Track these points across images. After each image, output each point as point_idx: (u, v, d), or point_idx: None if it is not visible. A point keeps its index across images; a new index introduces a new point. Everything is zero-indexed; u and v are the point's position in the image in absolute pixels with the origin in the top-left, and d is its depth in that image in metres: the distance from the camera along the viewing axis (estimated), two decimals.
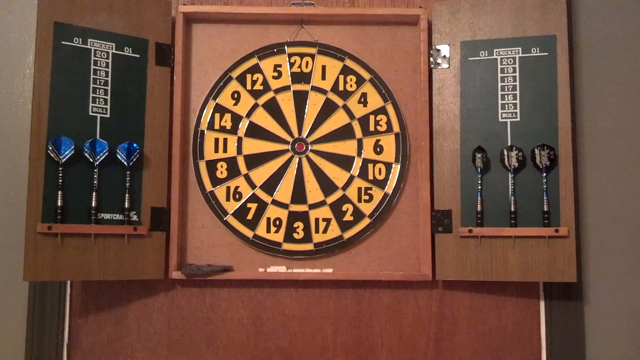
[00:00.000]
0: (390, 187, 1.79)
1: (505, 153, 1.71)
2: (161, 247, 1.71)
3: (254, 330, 1.75)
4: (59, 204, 1.58)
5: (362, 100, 1.82)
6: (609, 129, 1.82)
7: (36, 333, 1.71)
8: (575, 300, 1.75)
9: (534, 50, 1.73)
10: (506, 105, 1.73)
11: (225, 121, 1.81)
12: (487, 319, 1.76)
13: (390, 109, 1.82)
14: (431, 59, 1.79)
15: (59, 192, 1.58)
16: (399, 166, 1.79)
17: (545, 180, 1.68)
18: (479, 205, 1.71)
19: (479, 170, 1.71)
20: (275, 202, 1.78)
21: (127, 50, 1.71)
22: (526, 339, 1.75)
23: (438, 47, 1.78)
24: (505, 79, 1.74)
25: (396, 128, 1.81)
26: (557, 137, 1.69)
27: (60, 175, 1.58)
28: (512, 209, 1.69)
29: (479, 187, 1.71)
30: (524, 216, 1.69)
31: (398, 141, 1.80)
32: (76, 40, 1.65)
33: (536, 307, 1.76)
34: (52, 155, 1.58)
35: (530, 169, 1.70)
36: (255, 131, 1.81)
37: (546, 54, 1.72)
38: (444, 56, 1.78)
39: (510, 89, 1.73)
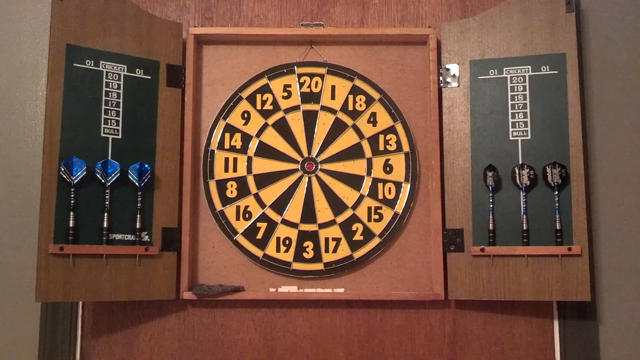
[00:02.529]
0: (400, 207, 1.78)
1: (517, 171, 1.70)
2: (172, 267, 1.71)
3: (266, 351, 1.74)
4: (70, 224, 1.58)
5: (371, 119, 1.83)
6: (621, 146, 1.81)
7: (48, 354, 1.70)
8: (590, 319, 1.73)
9: (543, 69, 1.73)
10: (517, 124, 1.73)
11: (235, 141, 1.82)
12: (501, 339, 1.74)
13: (399, 128, 1.82)
14: (441, 78, 1.79)
15: (71, 213, 1.59)
16: (409, 185, 1.79)
17: (557, 198, 1.67)
18: (490, 224, 1.70)
19: (490, 189, 1.71)
20: (285, 222, 1.78)
21: (138, 72, 1.72)
22: (540, 359, 1.73)
23: (447, 66, 1.79)
24: (516, 97, 1.74)
25: (406, 147, 1.81)
26: (568, 154, 1.69)
27: (72, 196, 1.59)
28: (525, 228, 1.68)
29: (491, 206, 1.71)
30: (537, 235, 1.68)
31: (408, 160, 1.80)
32: (88, 63, 1.66)
33: (550, 326, 1.74)
34: (64, 176, 1.59)
35: (542, 187, 1.69)
36: (265, 151, 1.81)
37: (556, 72, 1.72)
38: (454, 75, 1.78)
39: (520, 107, 1.73)
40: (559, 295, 1.65)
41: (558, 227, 1.66)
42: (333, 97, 1.84)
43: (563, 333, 1.73)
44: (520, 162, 1.71)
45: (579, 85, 1.71)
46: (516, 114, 1.73)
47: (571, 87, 1.71)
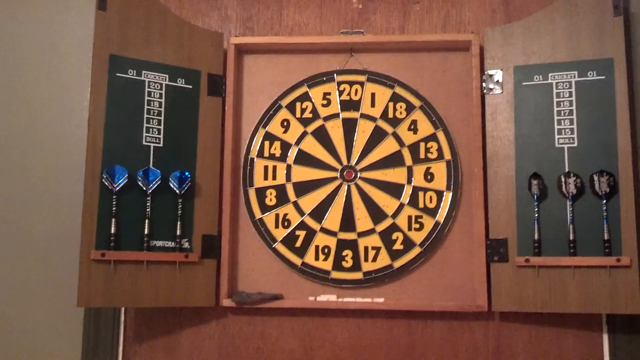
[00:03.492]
0: (441, 216, 1.75)
1: (563, 179, 1.65)
2: (212, 274, 1.71)
3: None
4: (112, 231, 1.61)
5: (412, 127, 1.80)
6: None
7: (91, 359, 1.73)
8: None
9: (590, 74, 1.68)
10: (563, 131, 1.68)
11: (275, 149, 1.82)
12: (547, 353, 1.68)
13: (441, 135, 1.79)
14: (483, 85, 1.76)
15: (113, 220, 1.61)
16: (450, 194, 1.75)
17: (605, 207, 1.62)
18: (536, 234, 1.65)
19: (535, 198, 1.66)
20: (323, 230, 1.76)
21: (180, 81, 1.74)
22: None
23: (490, 72, 1.75)
24: (561, 103, 1.69)
25: (447, 155, 1.78)
26: (616, 162, 1.63)
27: (114, 203, 1.62)
28: (571, 238, 1.62)
29: (536, 215, 1.66)
30: (584, 245, 1.62)
31: (449, 168, 1.77)
32: (130, 72, 1.69)
33: (599, 340, 1.67)
34: (106, 183, 1.61)
35: (589, 195, 1.64)
36: (304, 159, 1.81)
37: (603, 77, 1.67)
38: (497, 81, 1.74)
39: (566, 114, 1.68)
40: (607, 307, 1.59)
41: (606, 237, 1.60)
42: (373, 105, 1.82)
43: (613, 347, 1.66)
44: (566, 170, 1.66)
45: (627, 91, 1.65)
46: (562, 121, 1.68)
47: (619, 92, 1.65)
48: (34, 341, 1.78)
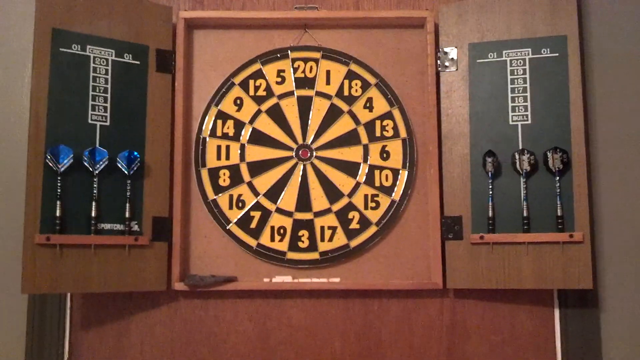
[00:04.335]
0: (397, 194, 1.74)
1: (517, 157, 1.65)
2: (163, 257, 1.66)
3: (260, 343, 1.70)
4: (57, 214, 1.54)
5: (367, 105, 1.78)
6: (623, 131, 1.76)
7: (36, 346, 1.66)
8: (591, 307, 1.69)
9: (544, 51, 1.69)
10: (517, 108, 1.68)
11: (228, 128, 1.77)
12: (501, 329, 1.70)
13: (396, 113, 1.77)
14: (438, 62, 1.74)
15: (58, 202, 1.54)
16: (406, 172, 1.74)
17: (558, 184, 1.63)
18: (490, 211, 1.65)
19: (489, 175, 1.66)
20: (279, 210, 1.73)
21: (127, 57, 1.67)
22: (541, 349, 1.69)
23: (445, 49, 1.74)
24: (515, 80, 1.69)
25: (403, 133, 1.76)
26: (569, 139, 1.64)
27: (59, 184, 1.54)
28: (525, 214, 1.64)
29: (490, 192, 1.66)
30: (537, 221, 1.63)
31: (405, 147, 1.76)
32: (75, 47, 1.61)
33: (551, 315, 1.70)
34: (50, 164, 1.54)
35: (542, 172, 1.65)
36: (259, 138, 1.76)
37: (557, 54, 1.68)
38: (452, 59, 1.73)
39: (520, 91, 1.69)
40: (560, 283, 1.61)
41: (559, 214, 1.62)
42: (328, 82, 1.79)
43: (564, 322, 1.69)
44: (520, 148, 1.66)
45: (580, 68, 1.66)
46: (516, 98, 1.69)
47: (572, 70, 1.66)
48: None
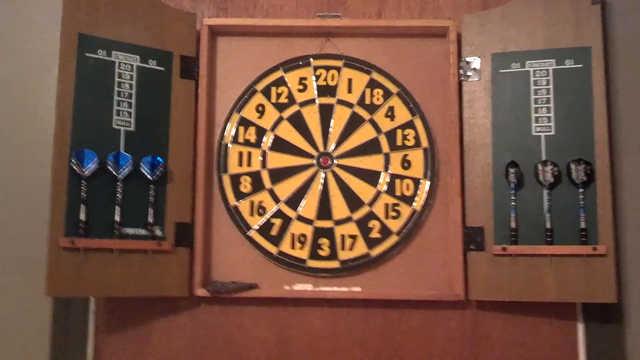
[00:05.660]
0: (418, 204, 1.73)
1: (540, 168, 1.64)
2: (185, 263, 1.66)
3: (279, 350, 1.69)
4: (82, 218, 1.54)
5: (389, 114, 1.78)
6: None
7: (60, 350, 1.66)
8: (615, 322, 1.67)
9: (568, 62, 1.68)
10: (540, 119, 1.67)
11: (250, 134, 1.77)
12: (523, 341, 1.68)
13: (418, 123, 1.77)
14: (461, 72, 1.74)
15: (82, 206, 1.55)
16: (427, 182, 1.74)
17: (582, 196, 1.62)
18: (512, 222, 1.64)
19: (512, 186, 1.65)
20: (300, 218, 1.73)
21: (151, 62, 1.68)
22: None
23: (468, 59, 1.74)
24: (539, 91, 1.68)
25: (424, 143, 1.75)
26: (593, 151, 1.63)
27: (84, 188, 1.55)
28: (548, 226, 1.62)
29: (513, 204, 1.65)
30: (560, 234, 1.62)
31: (427, 156, 1.75)
32: (100, 52, 1.62)
33: (574, 329, 1.68)
34: (75, 168, 1.54)
35: (566, 184, 1.64)
36: (280, 145, 1.76)
37: (581, 65, 1.67)
38: (474, 68, 1.73)
39: (544, 102, 1.68)
40: (583, 296, 1.60)
41: (583, 226, 1.61)
42: (350, 91, 1.79)
43: (587, 335, 1.67)
44: (543, 159, 1.65)
45: (604, 79, 1.65)
46: (539, 109, 1.68)
47: (596, 81, 1.65)
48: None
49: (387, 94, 1.78)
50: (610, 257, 1.59)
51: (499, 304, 1.68)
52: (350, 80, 1.80)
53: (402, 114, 1.78)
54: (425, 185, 1.74)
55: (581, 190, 1.62)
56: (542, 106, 1.68)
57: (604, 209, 1.61)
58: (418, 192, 1.74)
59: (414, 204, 1.73)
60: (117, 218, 1.58)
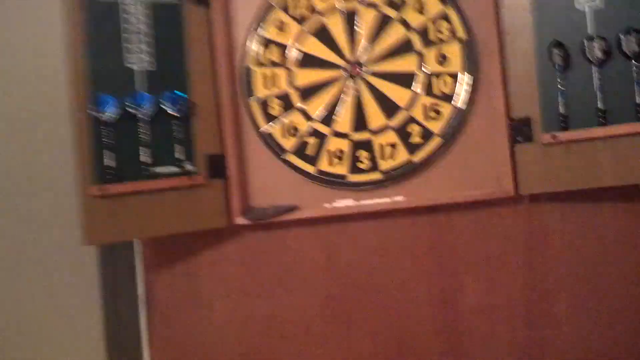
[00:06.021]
0: (459, 101, 1.62)
1: (586, 44, 1.49)
2: (220, 194, 1.64)
3: (328, 268, 1.68)
4: (108, 163, 1.54)
5: (417, 6, 1.64)
6: None
7: (111, 292, 1.72)
8: None
9: None
10: None
11: (272, 54, 1.69)
12: (583, 230, 1.58)
13: (451, 12, 1.62)
14: None
15: (107, 152, 1.54)
16: (466, 76, 1.62)
17: (635, 69, 1.46)
18: (561, 107, 1.52)
19: (557, 68, 1.51)
20: (335, 134, 1.66)
21: None
22: (630, 246, 1.57)
23: None
24: None
25: (460, 33, 1.62)
26: None
27: (106, 134, 1.54)
28: (600, 107, 1.49)
29: (561, 87, 1.52)
30: (615, 113, 1.48)
31: (463, 48, 1.62)
32: None
33: (638, 210, 1.57)
34: (94, 114, 1.53)
35: (619, 59, 1.48)
36: (306, 60, 1.68)
37: None
38: None
39: None
40: None
41: (638, 101, 1.46)
42: None
43: None
44: (589, 34, 1.50)
45: None
46: None
47: None
48: (47, 284, 1.78)
49: None
50: None
51: (553, 196, 1.57)
52: None
53: (432, 5, 1.64)
54: (465, 79, 1.62)
55: (635, 62, 1.46)
56: None
57: None
58: (457, 88, 1.62)
59: (453, 101, 1.62)
60: (145, 159, 1.57)
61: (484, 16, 1.60)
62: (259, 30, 1.70)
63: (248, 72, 1.70)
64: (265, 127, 1.70)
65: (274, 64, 1.70)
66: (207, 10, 1.66)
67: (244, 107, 1.70)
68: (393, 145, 1.64)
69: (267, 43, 1.70)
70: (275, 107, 1.69)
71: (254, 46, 1.70)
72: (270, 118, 1.69)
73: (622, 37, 1.46)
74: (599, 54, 1.49)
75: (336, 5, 1.67)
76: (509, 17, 1.56)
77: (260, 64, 1.70)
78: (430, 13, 1.64)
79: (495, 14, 1.58)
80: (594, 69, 1.50)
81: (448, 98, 1.63)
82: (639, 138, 1.46)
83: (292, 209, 1.66)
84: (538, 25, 1.54)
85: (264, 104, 1.70)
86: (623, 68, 1.48)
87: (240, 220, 1.66)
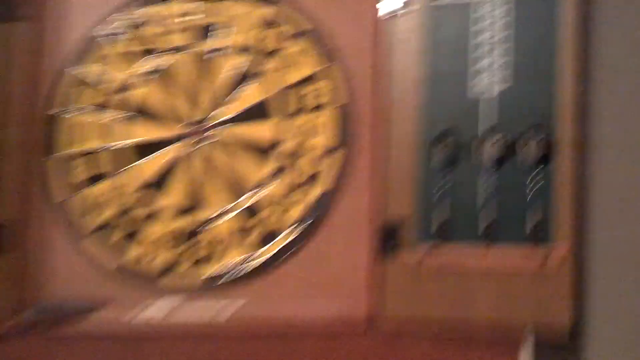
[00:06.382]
0: (321, 186, 1.28)
1: (479, 141, 1.20)
2: None
3: None
4: None
5: (284, 65, 1.30)
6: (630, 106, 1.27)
7: None
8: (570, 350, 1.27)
9: None
10: (481, 73, 1.21)
11: (89, 99, 1.31)
12: None
13: (323, 76, 1.29)
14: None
15: None
16: (335, 158, 1.28)
17: (533, 178, 1.18)
18: (440, 213, 1.21)
19: (440, 166, 1.21)
20: (155, 216, 1.28)
21: None
22: None
23: None
24: (480, 33, 1.22)
25: (332, 103, 1.29)
26: (552, 116, 1.16)
27: None
28: (486, 220, 1.19)
29: (441, 189, 1.22)
30: (503, 230, 1.20)
31: (334, 122, 1.29)
32: None
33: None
34: None
35: (515, 162, 1.20)
36: (132, 112, 1.31)
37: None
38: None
39: (487, 48, 1.21)
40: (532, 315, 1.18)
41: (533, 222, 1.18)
42: (233, 33, 1.31)
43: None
44: (483, 129, 1.20)
45: (576, 19, 1.16)
46: (479, 59, 1.21)
47: (565, 17, 1.15)
48: None
49: (285, 36, 1.30)
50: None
51: (419, 321, 1.26)
52: (232, 19, 1.31)
53: (305, 64, 1.30)
54: (331, 163, 1.29)
55: (535, 170, 1.18)
56: (483, 54, 1.21)
57: (564, 195, 1.17)
58: (321, 173, 1.29)
59: (315, 188, 1.29)
60: None
61: (361, 85, 1.28)
62: (76, 66, 1.31)
63: (51, 121, 1.30)
64: (63, 197, 1.30)
65: (89, 113, 1.31)
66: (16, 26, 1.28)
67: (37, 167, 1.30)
68: (228, 239, 1.28)
69: (81, 85, 1.31)
70: (81, 171, 1.30)
71: (66, 88, 1.31)
72: (71, 187, 1.30)
73: (523, 137, 1.18)
74: (492, 153, 1.20)
75: (185, 46, 1.31)
76: (392, 90, 1.25)
77: (68, 112, 1.31)
78: (298, 74, 1.31)
79: (377, 84, 1.26)
80: (484, 171, 1.21)
81: (307, 184, 1.29)
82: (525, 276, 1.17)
83: (90, 309, 1.26)
84: (425, 109, 1.24)
85: (66, 167, 1.30)
86: (520, 175, 1.19)
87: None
